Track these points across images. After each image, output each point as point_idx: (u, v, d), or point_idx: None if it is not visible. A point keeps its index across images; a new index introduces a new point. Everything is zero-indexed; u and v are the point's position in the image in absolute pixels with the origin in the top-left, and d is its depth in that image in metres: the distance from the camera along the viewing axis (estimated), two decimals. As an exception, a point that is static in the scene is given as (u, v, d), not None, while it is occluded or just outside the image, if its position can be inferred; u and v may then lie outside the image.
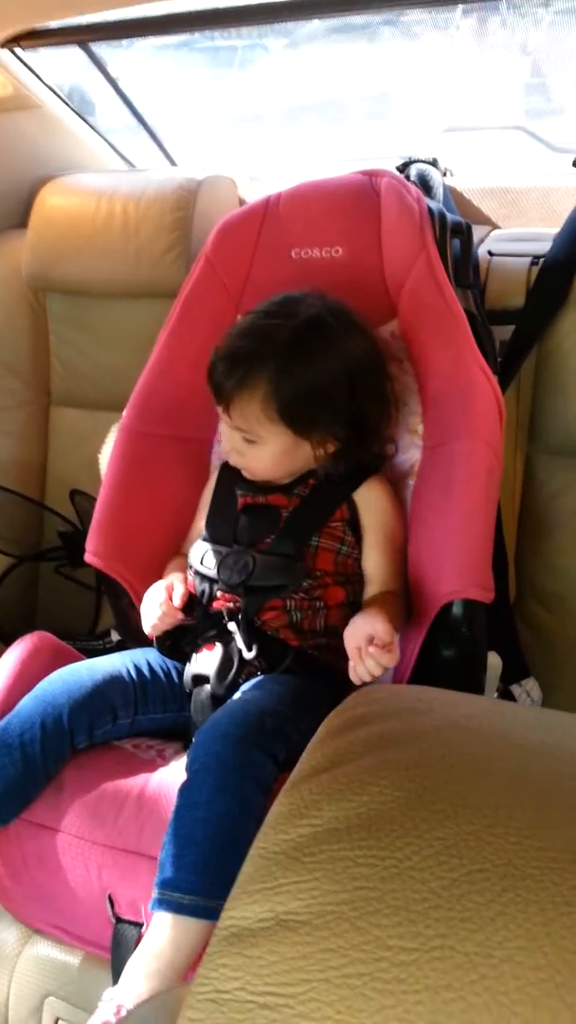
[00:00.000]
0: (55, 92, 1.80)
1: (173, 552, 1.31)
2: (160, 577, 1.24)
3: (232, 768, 0.94)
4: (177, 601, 1.16)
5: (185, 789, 0.96)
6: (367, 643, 1.01)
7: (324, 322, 1.14)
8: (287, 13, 1.57)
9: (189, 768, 0.97)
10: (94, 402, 1.76)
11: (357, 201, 1.29)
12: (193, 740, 1.01)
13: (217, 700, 1.11)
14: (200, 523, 1.27)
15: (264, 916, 0.28)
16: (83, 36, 1.61)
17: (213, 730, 0.99)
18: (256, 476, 1.20)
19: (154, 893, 0.91)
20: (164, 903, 0.90)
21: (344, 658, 1.05)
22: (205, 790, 0.94)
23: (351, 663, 1.03)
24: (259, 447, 1.15)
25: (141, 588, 1.24)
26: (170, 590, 1.17)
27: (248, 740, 0.97)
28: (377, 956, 0.26)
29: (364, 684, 1.03)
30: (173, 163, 1.96)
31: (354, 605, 1.16)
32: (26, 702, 1.09)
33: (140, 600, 1.23)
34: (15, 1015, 1.08)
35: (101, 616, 1.75)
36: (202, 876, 0.90)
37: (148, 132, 1.88)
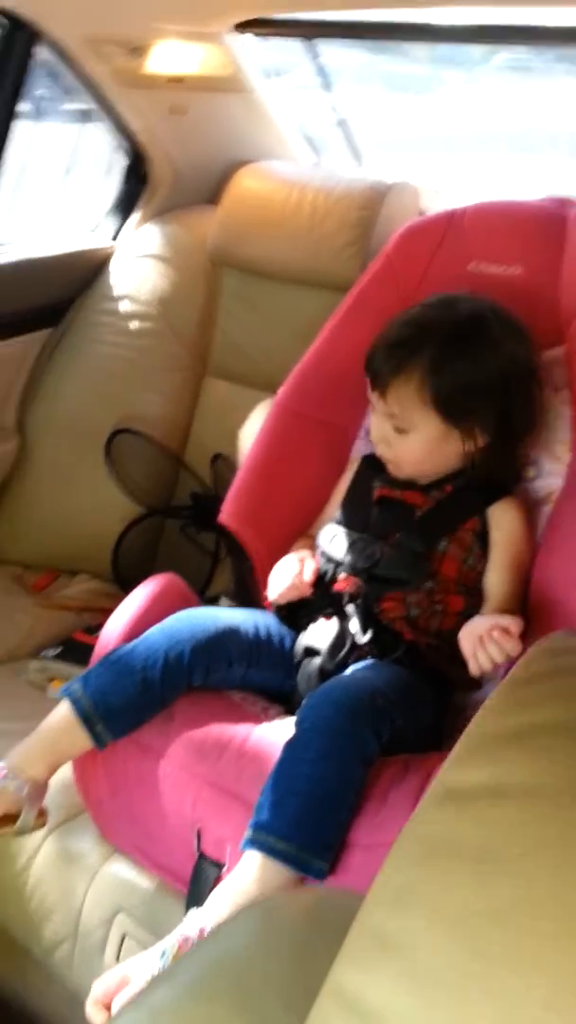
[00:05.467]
0: (266, 81, 1.88)
1: (302, 530, 1.35)
2: (286, 552, 1.28)
3: (340, 735, 0.97)
4: (308, 575, 1.20)
5: (291, 746, 0.99)
6: (490, 631, 1.00)
7: (486, 318, 1.17)
8: (497, 36, 1.61)
9: (299, 726, 1.01)
10: (246, 378, 1.83)
11: (544, 225, 1.31)
12: (304, 702, 1.05)
13: (324, 675, 1.14)
14: (332, 508, 1.31)
15: (483, 781, 0.31)
16: (308, 31, 1.68)
17: (326, 696, 1.02)
18: (402, 470, 1.22)
19: (248, 833, 0.95)
20: (257, 843, 0.94)
21: (454, 662, 1.07)
22: (311, 750, 0.97)
23: (471, 652, 1.01)
24: (409, 437, 1.17)
25: (266, 557, 1.29)
26: (303, 563, 1.21)
27: (359, 713, 1.00)
28: (594, 834, 0.29)
29: (482, 677, 1.04)
30: (359, 164, 2.01)
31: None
32: (152, 632, 1.13)
33: (263, 568, 1.27)
34: (87, 921, 1.13)
35: (213, 581, 1.81)
36: (298, 829, 0.93)
37: (344, 132, 1.95)
